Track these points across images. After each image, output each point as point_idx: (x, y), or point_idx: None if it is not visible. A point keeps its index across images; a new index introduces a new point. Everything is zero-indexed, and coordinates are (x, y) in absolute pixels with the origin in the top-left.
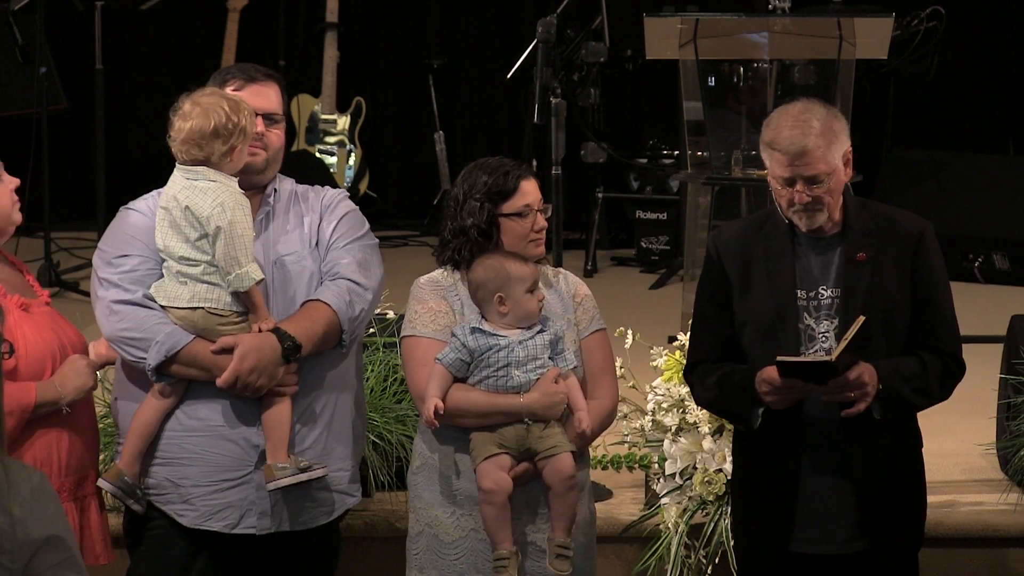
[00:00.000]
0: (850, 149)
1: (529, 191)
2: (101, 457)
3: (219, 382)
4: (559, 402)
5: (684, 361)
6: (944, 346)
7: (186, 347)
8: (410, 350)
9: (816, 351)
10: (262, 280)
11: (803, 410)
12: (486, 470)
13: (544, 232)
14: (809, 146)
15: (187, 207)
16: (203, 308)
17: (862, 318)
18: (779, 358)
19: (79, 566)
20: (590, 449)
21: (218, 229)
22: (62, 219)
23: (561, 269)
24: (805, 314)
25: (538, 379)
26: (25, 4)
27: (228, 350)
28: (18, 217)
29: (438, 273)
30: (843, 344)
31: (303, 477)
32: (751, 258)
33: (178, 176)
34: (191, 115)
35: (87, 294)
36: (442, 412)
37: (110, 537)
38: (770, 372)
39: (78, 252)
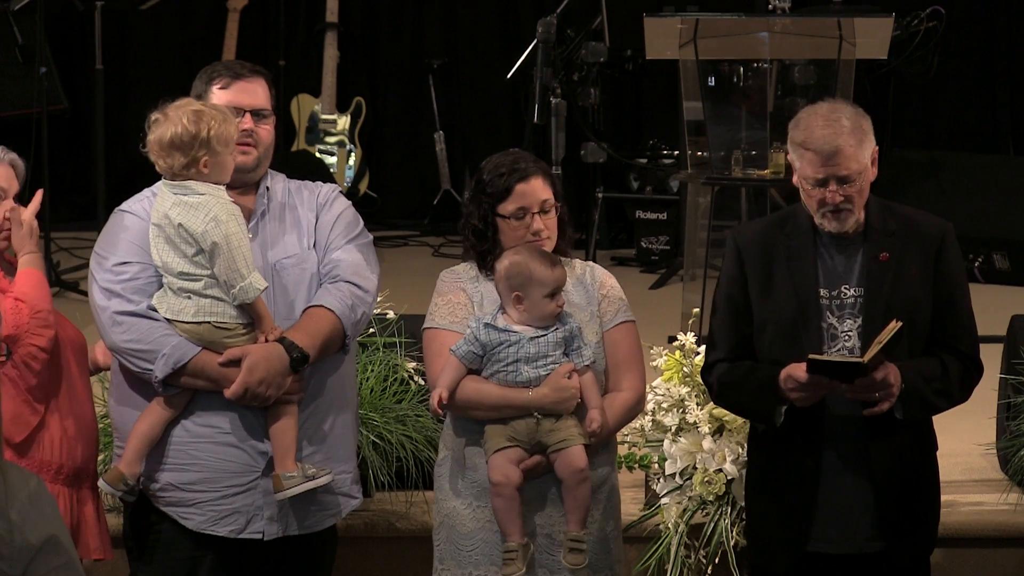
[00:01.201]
0: (877, 148)
1: (526, 192)
2: (101, 457)
3: (227, 394)
4: (569, 397)
5: (684, 361)
6: (963, 347)
7: (193, 359)
8: (428, 342)
9: (839, 350)
10: (266, 288)
11: (826, 407)
12: (496, 463)
13: (548, 231)
14: (842, 145)
15: (180, 224)
16: (209, 322)
17: (898, 324)
18: (811, 356)
19: (77, 569)
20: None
21: (214, 245)
22: (62, 219)
23: (590, 263)
24: (828, 313)
25: (548, 375)
26: (25, 4)
27: (235, 361)
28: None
29: (462, 265)
30: (877, 347)
31: (310, 485)
32: (773, 257)
33: (166, 192)
34: (156, 125)
35: (87, 294)
36: (446, 402)
37: (108, 534)
38: (796, 369)
39: (78, 252)
